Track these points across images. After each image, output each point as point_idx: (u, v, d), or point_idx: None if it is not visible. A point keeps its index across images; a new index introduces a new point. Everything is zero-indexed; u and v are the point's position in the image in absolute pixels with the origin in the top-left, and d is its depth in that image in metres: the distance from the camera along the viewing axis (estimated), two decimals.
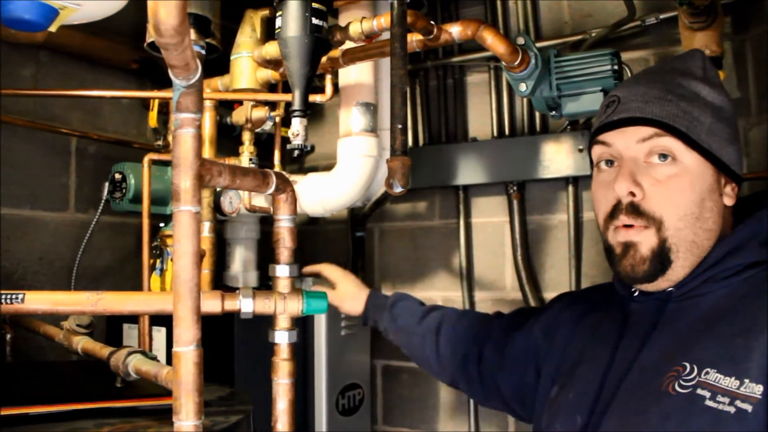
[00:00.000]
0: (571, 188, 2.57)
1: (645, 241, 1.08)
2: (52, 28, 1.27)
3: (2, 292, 1.10)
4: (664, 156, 1.08)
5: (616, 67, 1.90)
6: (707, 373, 0.98)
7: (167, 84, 2.11)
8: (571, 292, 1.49)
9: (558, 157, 2.48)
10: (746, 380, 0.94)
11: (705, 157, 1.08)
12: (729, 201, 1.12)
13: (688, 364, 1.01)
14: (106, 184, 2.26)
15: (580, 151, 2.44)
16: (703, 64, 1.16)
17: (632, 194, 1.09)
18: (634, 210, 1.09)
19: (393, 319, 1.71)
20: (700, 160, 1.08)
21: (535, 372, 1.39)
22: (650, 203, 1.08)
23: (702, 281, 1.09)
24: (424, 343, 1.66)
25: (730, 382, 0.95)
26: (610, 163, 1.16)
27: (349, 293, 1.77)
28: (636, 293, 1.18)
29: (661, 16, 2.37)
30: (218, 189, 2.19)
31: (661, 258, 1.08)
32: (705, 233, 1.09)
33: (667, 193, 1.07)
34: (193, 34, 1.79)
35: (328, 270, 1.84)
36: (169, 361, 1.68)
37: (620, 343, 1.15)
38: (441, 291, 2.84)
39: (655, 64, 2.39)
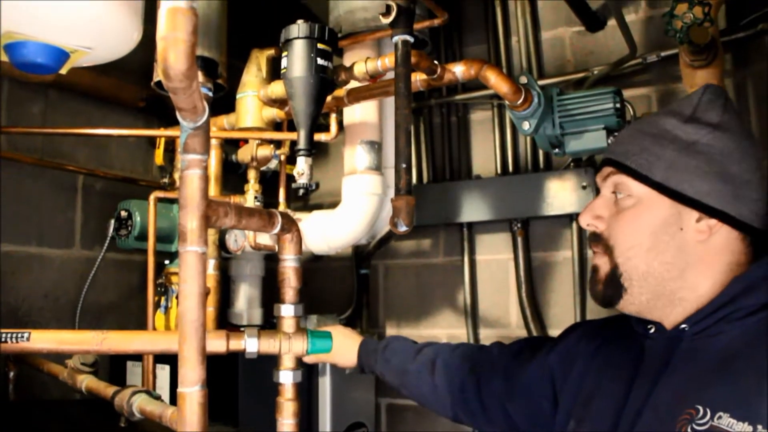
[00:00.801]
0: (575, 225, 2.57)
1: (602, 266, 1.18)
2: (63, 71, 1.29)
3: (8, 331, 1.11)
4: (620, 191, 1.16)
5: (618, 105, 1.91)
6: (720, 417, 0.96)
7: (174, 121, 2.14)
8: (587, 322, 1.47)
9: (562, 194, 2.48)
10: (759, 426, 0.92)
11: (659, 190, 1.11)
12: (700, 236, 1.10)
13: (701, 407, 0.99)
14: (112, 221, 2.27)
15: (584, 188, 2.45)
16: (698, 101, 1.17)
17: (589, 225, 1.20)
18: (594, 237, 1.20)
19: (386, 361, 1.70)
20: (653, 193, 1.12)
21: (551, 401, 1.37)
22: (607, 232, 1.17)
23: (716, 320, 1.08)
24: (419, 380, 1.64)
25: (743, 428, 0.93)
26: None
27: (341, 348, 1.75)
28: (651, 329, 1.17)
29: (662, 54, 2.39)
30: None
31: (614, 283, 1.15)
32: (662, 265, 1.11)
33: (619, 224, 1.15)
34: (200, 77, 1.82)
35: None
36: (173, 399, 1.67)
37: (635, 381, 1.14)
38: (446, 329, 2.83)
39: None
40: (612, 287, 1.15)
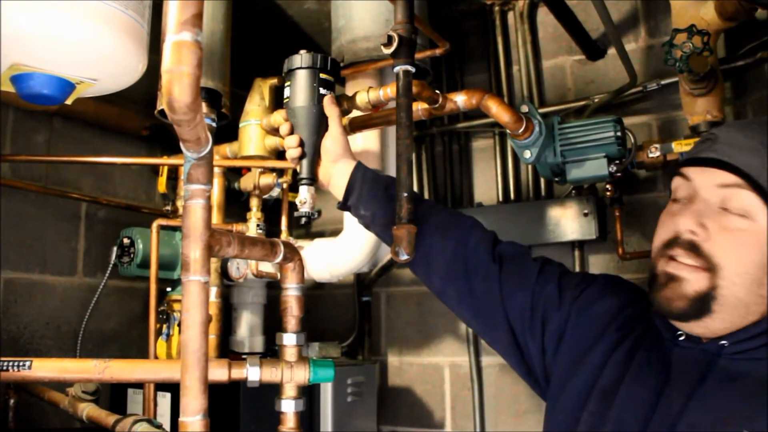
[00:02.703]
0: (577, 252, 2.57)
1: (694, 281, 1.03)
2: (68, 101, 1.31)
3: (10, 359, 1.11)
4: (735, 205, 1.03)
5: (619, 134, 1.92)
6: None
7: (177, 149, 2.15)
8: (627, 293, 1.30)
9: (563, 222, 2.49)
10: None
11: None
12: None
13: None
14: (115, 248, 2.28)
15: (585, 215, 2.45)
16: None
17: (692, 233, 1.04)
18: (692, 248, 1.04)
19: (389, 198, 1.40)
20: None
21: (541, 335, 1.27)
22: (712, 246, 1.03)
23: (760, 344, 1.03)
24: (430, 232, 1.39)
25: None
26: (683, 197, 1.11)
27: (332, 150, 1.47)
28: (682, 337, 1.10)
29: (663, 82, 2.41)
30: None
31: (702, 303, 1.03)
32: (757, 299, 1.03)
33: (733, 243, 1.02)
34: (204, 108, 1.84)
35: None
36: (175, 427, 1.67)
37: (664, 390, 1.07)
38: (448, 356, 2.82)
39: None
40: (697, 307, 1.03)
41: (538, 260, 1.36)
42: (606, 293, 1.28)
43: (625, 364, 1.16)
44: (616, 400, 1.12)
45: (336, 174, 1.47)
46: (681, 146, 2.10)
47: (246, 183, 2.33)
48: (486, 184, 2.84)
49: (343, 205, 1.48)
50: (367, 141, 2.14)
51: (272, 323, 2.58)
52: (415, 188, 2.92)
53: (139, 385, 2.17)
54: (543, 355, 1.28)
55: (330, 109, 1.48)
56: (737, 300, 1.02)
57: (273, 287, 2.58)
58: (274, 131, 1.97)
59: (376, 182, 1.44)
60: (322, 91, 1.51)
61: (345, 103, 1.70)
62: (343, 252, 2.14)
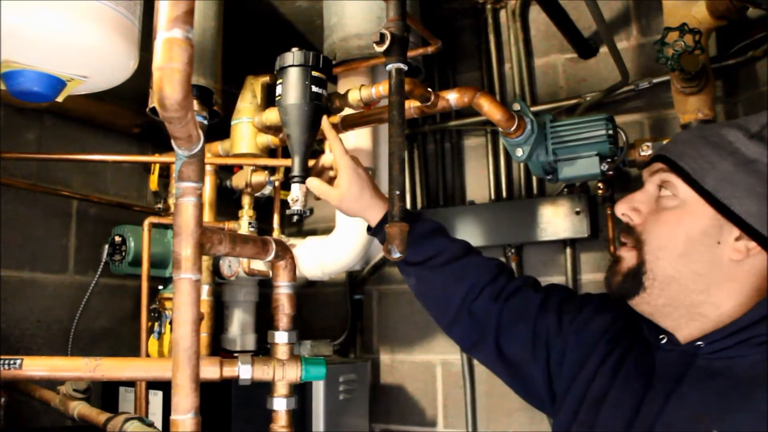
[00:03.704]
0: (569, 250, 2.58)
1: (628, 259, 1.14)
2: (59, 99, 1.30)
3: (0, 357, 1.10)
4: (666, 189, 1.12)
5: (610, 132, 1.92)
6: None
7: (168, 147, 2.15)
8: (615, 309, 1.34)
9: (555, 220, 2.49)
10: None
11: (706, 199, 1.07)
12: (736, 255, 1.06)
13: None
14: (106, 246, 2.27)
15: (577, 213, 2.46)
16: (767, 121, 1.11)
17: (623, 215, 1.16)
18: (627, 229, 1.16)
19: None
20: (699, 200, 1.07)
21: (545, 362, 1.33)
22: (641, 227, 1.13)
23: (735, 342, 1.05)
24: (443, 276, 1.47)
25: None
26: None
27: (359, 194, 1.48)
28: (663, 340, 1.14)
29: (654, 81, 2.42)
30: None
31: (635, 278, 1.12)
32: (690, 275, 1.07)
33: (657, 222, 1.11)
34: (195, 105, 1.83)
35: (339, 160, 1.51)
36: (166, 425, 1.66)
37: (647, 394, 1.10)
38: (440, 354, 2.82)
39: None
40: (631, 282, 1.12)
41: (540, 291, 1.43)
42: (600, 311, 1.34)
43: (614, 373, 1.20)
44: (604, 407, 1.16)
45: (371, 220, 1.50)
46: None
47: (238, 181, 2.32)
48: (478, 182, 2.84)
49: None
50: (359, 139, 2.14)
51: (264, 321, 2.57)
52: (408, 187, 2.92)
53: (130, 383, 2.17)
54: (549, 381, 1.33)
55: (345, 162, 1.50)
56: (666, 276, 1.09)
57: (265, 285, 2.58)
58: (267, 129, 1.96)
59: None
60: (314, 88, 1.51)
61: (337, 101, 1.70)
62: (334, 250, 2.14)
